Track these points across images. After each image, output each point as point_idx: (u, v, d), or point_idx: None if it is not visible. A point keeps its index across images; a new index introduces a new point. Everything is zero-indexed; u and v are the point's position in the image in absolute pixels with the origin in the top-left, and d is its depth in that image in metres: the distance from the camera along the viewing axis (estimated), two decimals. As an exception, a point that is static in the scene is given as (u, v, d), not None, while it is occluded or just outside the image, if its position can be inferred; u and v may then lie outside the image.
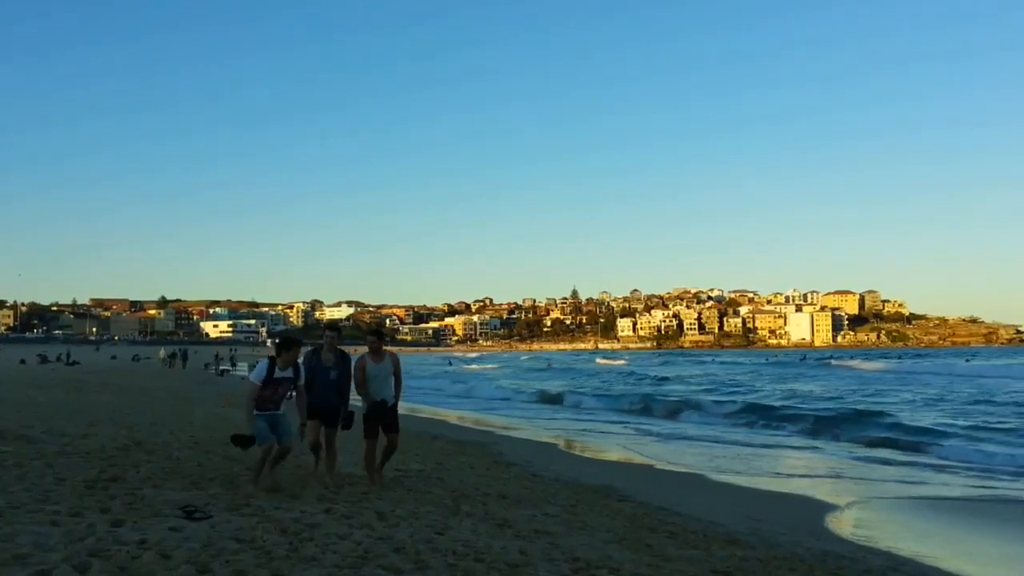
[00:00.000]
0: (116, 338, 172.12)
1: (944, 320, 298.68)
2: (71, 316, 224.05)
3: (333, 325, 9.46)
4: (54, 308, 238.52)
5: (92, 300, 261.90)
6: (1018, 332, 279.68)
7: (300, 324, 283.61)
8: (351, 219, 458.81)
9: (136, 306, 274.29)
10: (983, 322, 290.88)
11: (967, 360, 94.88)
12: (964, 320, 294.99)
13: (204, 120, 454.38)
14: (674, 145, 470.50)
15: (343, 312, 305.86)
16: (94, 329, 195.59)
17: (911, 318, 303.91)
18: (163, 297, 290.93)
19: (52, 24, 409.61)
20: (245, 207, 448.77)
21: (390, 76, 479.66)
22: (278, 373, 8.80)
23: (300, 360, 9.05)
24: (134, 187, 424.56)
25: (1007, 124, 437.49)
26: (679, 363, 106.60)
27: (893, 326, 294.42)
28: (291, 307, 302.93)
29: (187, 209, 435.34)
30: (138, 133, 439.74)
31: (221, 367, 57.09)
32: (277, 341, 9.40)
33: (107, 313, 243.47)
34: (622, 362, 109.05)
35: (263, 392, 8.71)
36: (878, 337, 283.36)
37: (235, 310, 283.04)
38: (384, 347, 9.99)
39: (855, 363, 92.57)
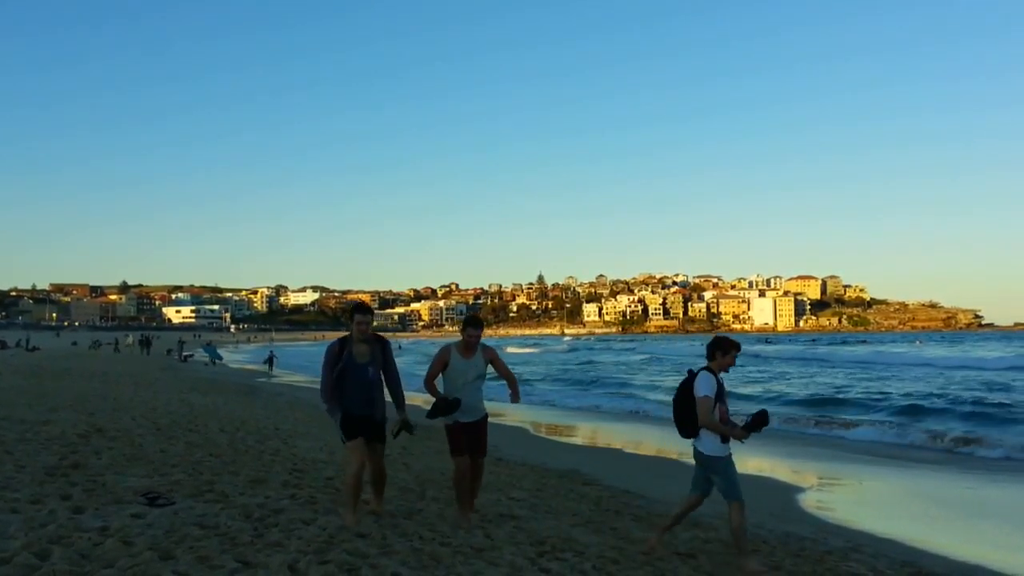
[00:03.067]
0: (77, 323, 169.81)
1: (904, 305, 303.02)
2: (30, 301, 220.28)
3: (364, 307, 7.26)
4: (13, 293, 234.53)
5: (52, 285, 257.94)
6: (976, 317, 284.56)
7: (264, 310, 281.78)
8: (316, 203, 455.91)
9: (97, 291, 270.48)
10: (942, 307, 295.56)
11: (918, 343, 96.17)
12: (924, 305, 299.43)
13: (167, 105, 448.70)
14: (640, 132, 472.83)
15: (308, 297, 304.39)
16: (54, 315, 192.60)
17: (872, 303, 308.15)
18: (124, 282, 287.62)
19: (7, 10, 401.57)
20: (208, 191, 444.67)
21: (356, 61, 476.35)
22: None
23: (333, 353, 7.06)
24: (95, 170, 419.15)
25: (968, 112, 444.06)
26: (603, 349, 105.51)
27: (854, 311, 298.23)
28: (255, 292, 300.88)
29: (149, 193, 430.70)
30: (99, 117, 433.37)
31: (184, 353, 56.51)
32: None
33: (67, 298, 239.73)
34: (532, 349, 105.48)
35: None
36: (840, 322, 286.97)
37: (198, 295, 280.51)
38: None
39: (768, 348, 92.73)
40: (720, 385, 6.66)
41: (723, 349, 6.73)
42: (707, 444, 6.70)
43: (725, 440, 6.66)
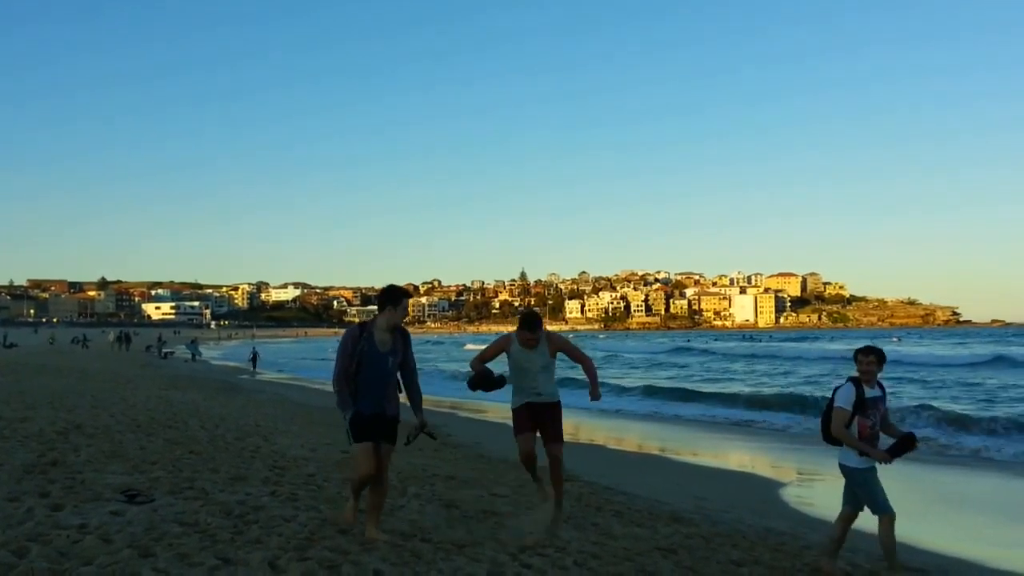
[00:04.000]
0: (55, 320, 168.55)
1: (883, 302, 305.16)
2: (8, 297, 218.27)
3: (403, 291, 6.33)
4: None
5: (30, 281, 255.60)
6: (954, 314, 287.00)
7: (245, 306, 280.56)
8: (297, 200, 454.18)
9: (75, 287, 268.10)
10: (921, 304, 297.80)
11: (895, 340, 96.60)
12: (902, 302, 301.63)
13: (146, 100, 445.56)
14: (623, 129, 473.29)
15: (290, 294, 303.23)
16: (32, 311, 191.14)
17: (851, 300, 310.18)
18: (103, 278, 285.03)
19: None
20: (188, 187, 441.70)
21: (332, 57, 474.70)
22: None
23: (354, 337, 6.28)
24: (73, 165, 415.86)
25: (945, 110, 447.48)
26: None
27: (834, 308, 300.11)
28: (236, 289, 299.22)
29: (128, 188, 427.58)
30: (77, 111, 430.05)
31: (164, 350, 56.21)
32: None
33: (45, 295, 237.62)
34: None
35: None
36: (819, 319, 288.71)
37: (178, 292, 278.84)
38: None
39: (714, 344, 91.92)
40: (861, 396, 6.41)
41: (857, 357, 6.57)
42: (846, 456, 6.56)
43: (864, 454, 6.43)
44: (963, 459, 15.25)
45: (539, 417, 7.31)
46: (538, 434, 7.39)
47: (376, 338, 6.20)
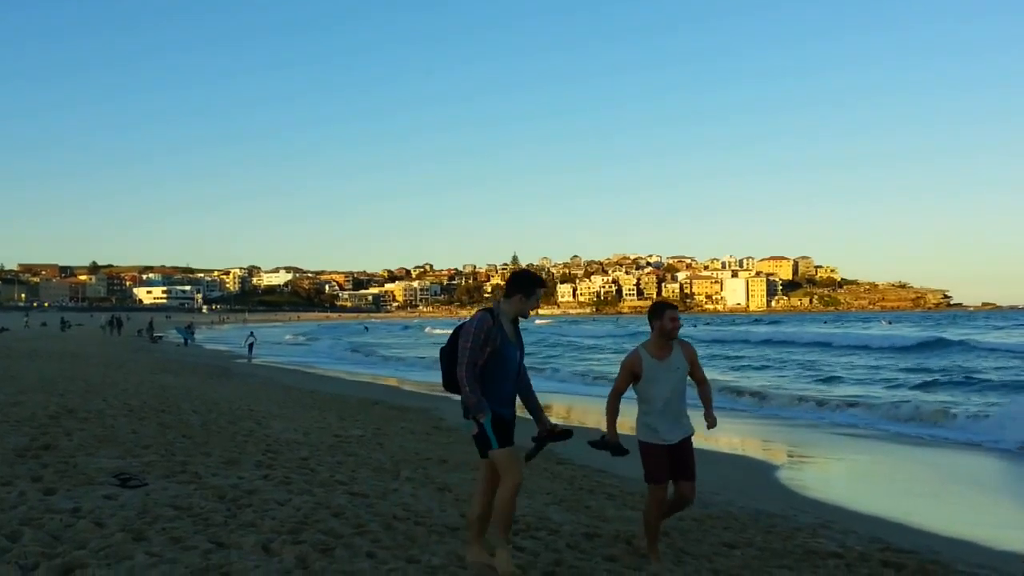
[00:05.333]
0: (46, 304, 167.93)
1: (874, 285, 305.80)
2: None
3: (536, 278, 5.54)
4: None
5: (21, 266, 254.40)
6: (945, 297, 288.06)
7: (237, 290, 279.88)
8: (289, 184, 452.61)
9: (66, 272, 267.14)
10: (912, 287, 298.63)
11: (887, 323, 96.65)
12: (893, 285, 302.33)
13: (136, 82, 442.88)
14: (613, 112, 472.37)
15: (281, 278, 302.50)
16: (23, 295, 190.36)
17: (843, 283, 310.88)
18: (95, 262, 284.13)
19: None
20: (180, 170, 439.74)
21: (326, 43, 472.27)
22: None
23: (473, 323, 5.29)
24: (64, 150, 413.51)
25: (935, 94, 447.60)
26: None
27: (825, 291, 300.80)
28: (228, 273, 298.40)
29: (120, 172, 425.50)
30: (68, 94, 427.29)
31: (155, 334, 56.06)
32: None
33: (36, 279, 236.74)
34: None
35: None
36: (811, 302, 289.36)
37: (169, 276, 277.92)
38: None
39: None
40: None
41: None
42: None
43: None
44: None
45: (678, 455, 5.99)
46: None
47: (506, 328, 5.36)
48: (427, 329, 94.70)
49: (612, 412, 6.11)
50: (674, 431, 5.94)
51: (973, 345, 43.72)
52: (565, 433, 5.55)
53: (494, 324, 5.26)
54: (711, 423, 6.08)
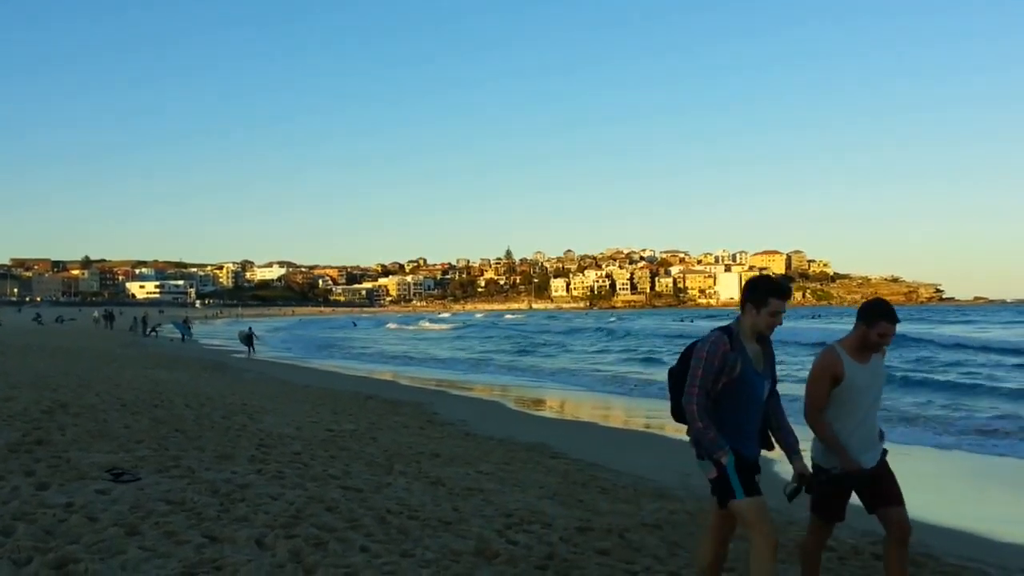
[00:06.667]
0: (39, 299, 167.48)
1: (867, 279, 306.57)
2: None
3: (777, 284, 4.45)
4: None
5: (12, 260, 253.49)
6: (937, 291, 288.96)
7: (230, 285, 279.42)
8: (281, 177, 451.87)
9: (59, 266, 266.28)
10: (904, 281, 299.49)
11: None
12: (886, 279, 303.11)
13: (129, 74, 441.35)
14: (607, 107, 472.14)
15: (274, 272, 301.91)
16: (15, 290, 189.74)
17: (835, 277, 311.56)
18: (87, 257, 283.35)
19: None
20: (171, 164, 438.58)
21: (319, 32, 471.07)
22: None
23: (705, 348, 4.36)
24: (56, 143, 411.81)
25: (928, 86, 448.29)
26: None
27: (818, 285, 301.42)
28: (220, 267, 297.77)
29: (112, 166, 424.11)
30: (60, 85, 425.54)
31: (149, 329, 55.78)
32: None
33: (28, 273, 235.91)
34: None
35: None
36: (803, 296, 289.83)
37: (162, 271, 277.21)
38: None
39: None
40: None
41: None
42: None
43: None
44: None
45: (877, 482, 4.83)
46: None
47: (750, 353, 4.42)
48: (388, 325, 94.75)
49: (832, 435, 4.70)
50: (869, 452, 4.79)
51: (928, 340, 43.75)
52: (819, 477, 4.73)
53: (732, 347, 4.34)
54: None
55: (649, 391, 23.02)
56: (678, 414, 4.53)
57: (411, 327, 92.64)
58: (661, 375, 28.74)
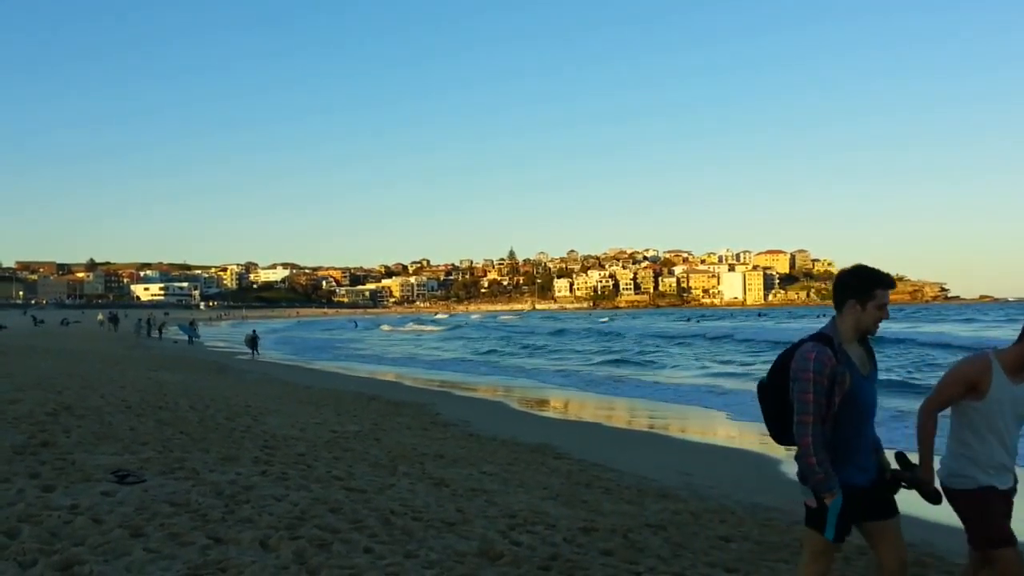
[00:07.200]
0: (44, 301, 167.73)
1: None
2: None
3: (878, 275, 3.86)
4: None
5: (18, 263, 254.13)
6: (943, 290, 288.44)
7: (234, 287, 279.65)
8: (285, 179, 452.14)
9: (64, 269, 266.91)
10: (909, 280, 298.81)
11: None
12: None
13: (133, 74, 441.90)
14: (611, 106, 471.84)
15: (278, 274, 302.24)
16: (20, 293, 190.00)
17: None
18: (92, 259, 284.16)
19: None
20: (176, 166, 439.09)
21: (323, 33, 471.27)
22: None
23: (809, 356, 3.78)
24: (61, 146, 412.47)
25: (932, 84, 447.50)
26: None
27: (822, 284, 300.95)
28: (225, 269, 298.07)
29: (116, 167, 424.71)
30: (63, 87, 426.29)
31: (153, 331, 55.76)
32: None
33: (33, 276, 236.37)
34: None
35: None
36: (808, 295, 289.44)
37: (166, 273, 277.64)
38: None
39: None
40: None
41: None
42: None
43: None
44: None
45: (1009, 507, 4.30)
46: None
47: (852, 354, 3.89)
48: (383, 327, 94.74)
49: (929, 437, 4.23)
50: (1006, 474, 4.25)
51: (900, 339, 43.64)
52: (934, 495, 4.18)
53: (837, 359, 3.78)
54: None
55: (622, 390, 23.03)
56: (779, 435, 4.06)
57: (403, 328, 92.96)
58: (635, 373, 29.01)
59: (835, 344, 3.81)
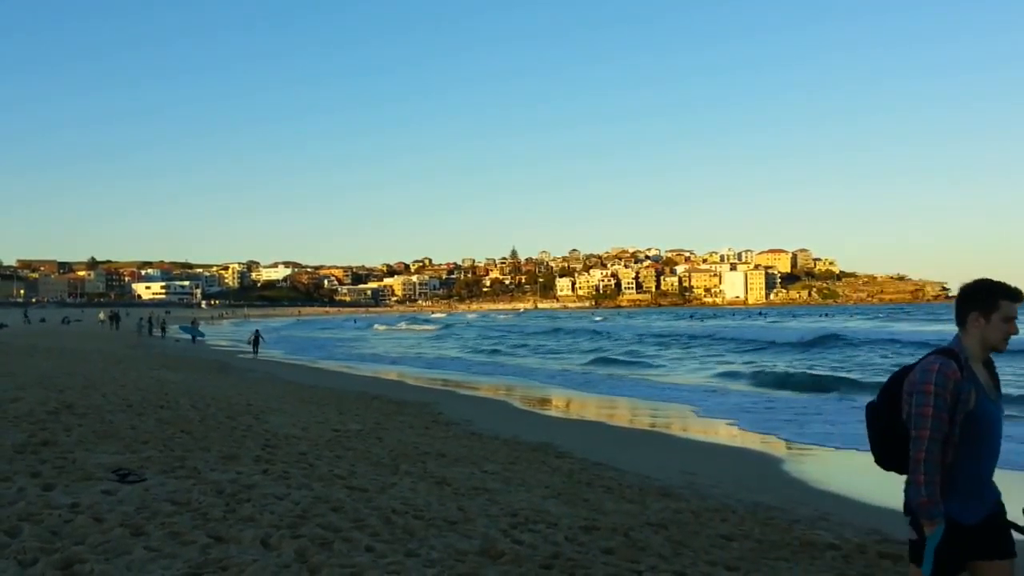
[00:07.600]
0: (45, 300, 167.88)
1: (873, 278, 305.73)
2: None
3: (998, 285, 3.45)
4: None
5: (19, 261, 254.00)
6: (943, 289, 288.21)
7: (236, 286, 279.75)
8: (287, 177, 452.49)
9: (65, 267, 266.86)
10: (910, 279, 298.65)
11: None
12: (892, 278, 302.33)
13: (135, 74, 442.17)
14: (613, 106, 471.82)
15: (280, 273, 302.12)
16: (21, 291, 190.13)
17: (841, 276, 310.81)
18: (93, 258, 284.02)
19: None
20: (177, 164, 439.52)
21: (325, 33, 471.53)
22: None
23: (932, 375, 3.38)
24: (62, 144, 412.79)
25: (935, 84, 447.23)
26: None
27: (824, 284, 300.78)
28: (226, 268, 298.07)
29: (117, 166, 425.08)
30: (64, 86, 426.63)
31: (155, 330, 55.75)
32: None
33: (35, 275, 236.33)
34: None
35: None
36: (809, 295, 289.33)
37: (168, 271, 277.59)
38: None
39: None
40: None
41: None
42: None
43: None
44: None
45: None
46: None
47: (979, 376, 3.49)
48: (376, 327, 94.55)
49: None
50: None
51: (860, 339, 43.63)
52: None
53: (963, 375, 3.39)
54: None
55: (602, 388, 23.02)
56: (884, 459, 3.65)
57: (395, 327, 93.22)
58: (617, 371, 29.26)
59: (961, 359, 3.44)
